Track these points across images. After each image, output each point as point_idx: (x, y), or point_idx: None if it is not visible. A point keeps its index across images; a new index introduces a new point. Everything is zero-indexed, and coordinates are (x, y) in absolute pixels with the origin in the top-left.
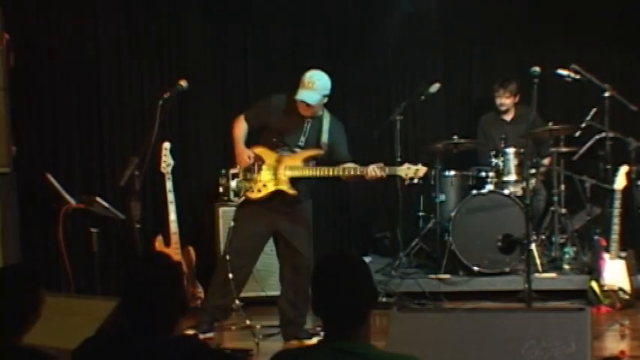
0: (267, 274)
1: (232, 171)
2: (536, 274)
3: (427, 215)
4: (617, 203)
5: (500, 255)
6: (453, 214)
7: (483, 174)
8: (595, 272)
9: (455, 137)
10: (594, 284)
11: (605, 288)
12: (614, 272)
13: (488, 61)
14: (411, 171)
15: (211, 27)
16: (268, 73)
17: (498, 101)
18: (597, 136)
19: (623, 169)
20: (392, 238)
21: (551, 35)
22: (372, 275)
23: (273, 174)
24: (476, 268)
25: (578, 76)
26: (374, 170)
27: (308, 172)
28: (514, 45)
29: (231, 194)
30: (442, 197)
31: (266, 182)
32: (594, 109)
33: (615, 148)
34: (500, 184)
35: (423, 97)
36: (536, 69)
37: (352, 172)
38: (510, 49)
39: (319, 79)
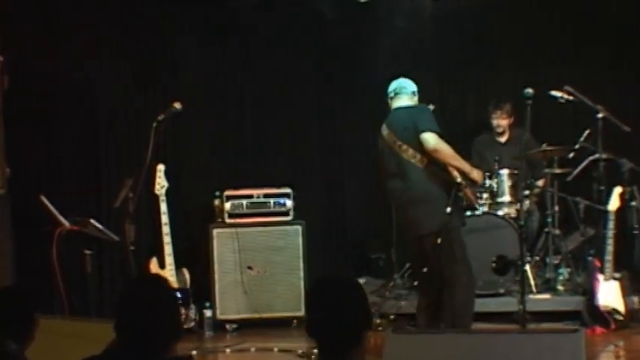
0: (261, 296)
1: (226, 193)
2: (531, 296)
3: None
4: (611, 224)
5: (494, 276)
6: None
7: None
8: (589, 293)
9: None
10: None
11: (600, 309)
12: (609, 293)
13: (481, 83)
14: None
15: (206, 49)
16: (263, 93)
17: (495, 122)
18: (591, 158)
19: (617, 190)
20: (387, 259)
21: (545, 57)
22: (366, 297)
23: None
24: None
25: (571, 98)
26: None
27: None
28: (507, 66)
29: (226, 216)
30: None
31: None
32: (587, 131)
33: (609, 169)
34: (495, 206)
35: None
36: (529, 90)
37: None
38: (504, 70)
39: None
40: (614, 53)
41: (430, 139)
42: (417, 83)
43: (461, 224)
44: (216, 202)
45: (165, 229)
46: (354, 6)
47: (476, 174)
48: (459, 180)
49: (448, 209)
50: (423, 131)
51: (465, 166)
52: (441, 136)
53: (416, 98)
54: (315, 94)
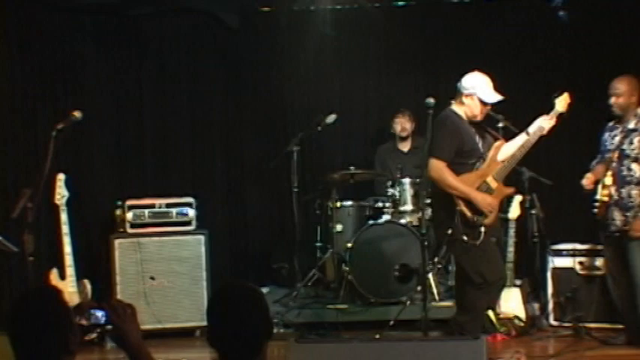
0: (164, 306)
1: (128, 202)
2: (433, 303)
3: (325, 245)
4: (512, 232)
5: (397, 284)
6: (350, 244)
7: (380, 204)
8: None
9: (352, 168)
10: (490, 312)
11: (501, 316)
12: (510, 300)
13: (384, 92)
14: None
15: (106, 57)
16: (164, 103)
17: (399, 127)
18: None
19: (517, 199)
20: (290, 268)
21: (447, 66)
22: (267, 306)
23: (488, 190)
24: (373, 298)
25: None
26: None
27: (509, 167)
28: (410, 75)
29: (127, 226)
30: (339, 227)
31: (490, 201)
32: None
33: (509, 177)
34: (397, 214)
35: (319, 128)
36: (431, 100)
37: (532, 140)
38: (406, 79)
39: None
40: (516, 61)
41: (431, 167)
42: (320, 92)
43: (462, 238)
44: (118, 211)
45: (66, 240)
46: (256, 15)
47: (481, 201)
48: (458, 207)
49: (449, 231)
50: (430, 156)
51: (468, 196)
52: (455, 157)
53: (462, 97)
54: (218, 103)
